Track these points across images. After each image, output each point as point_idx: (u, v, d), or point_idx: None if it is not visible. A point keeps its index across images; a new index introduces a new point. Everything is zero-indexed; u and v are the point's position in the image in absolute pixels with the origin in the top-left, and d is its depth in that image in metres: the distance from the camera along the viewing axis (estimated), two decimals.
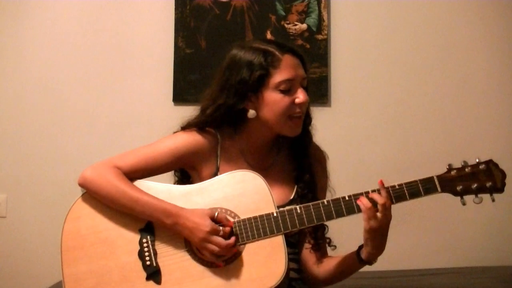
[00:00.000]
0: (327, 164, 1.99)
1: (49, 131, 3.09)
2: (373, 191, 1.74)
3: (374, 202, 1.70)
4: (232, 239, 1.71)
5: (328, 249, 1.95)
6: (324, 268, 1.89)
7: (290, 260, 1.75)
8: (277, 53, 1.81)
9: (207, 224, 1.69)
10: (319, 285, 1.92)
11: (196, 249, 1.74)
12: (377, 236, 1.72)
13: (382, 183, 1.73)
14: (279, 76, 1.79)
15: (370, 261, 1.77)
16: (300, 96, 1.80)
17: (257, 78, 1.79)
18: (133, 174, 1.81)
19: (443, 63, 3.15)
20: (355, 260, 1.79)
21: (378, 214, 1.69)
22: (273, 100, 1.80)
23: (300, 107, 1.81)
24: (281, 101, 1.80)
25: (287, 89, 1.80)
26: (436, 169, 1.79)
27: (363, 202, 1.71)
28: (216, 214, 1.72)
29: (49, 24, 3.13)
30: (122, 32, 3.13)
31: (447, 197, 1.76)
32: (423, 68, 3.15)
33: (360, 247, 1.78)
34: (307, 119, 1.90)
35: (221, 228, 1.70)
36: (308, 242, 1.91)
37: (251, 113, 1.83)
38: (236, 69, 1.82)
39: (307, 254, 1.93)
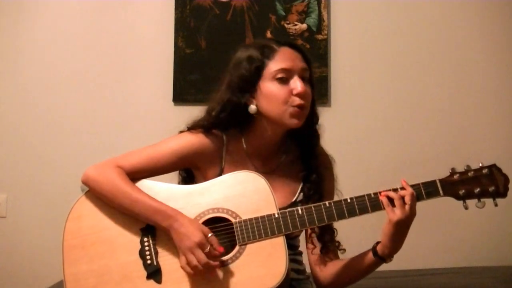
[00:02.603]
0: (333, 168, 1.99)
1: (49, 131, 3.09)
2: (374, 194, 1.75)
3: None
4: (215, 262, 1.68)
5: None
6: (335, 269, 1.89)
7: (290, 260, 1.75)
8: (274, 45, 1.84)
9: (198, 236, 1.68)
10: (335, 285, 1.91)
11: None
12: (399, 230, 1.72)
13: (405, 182, 1.74)
14: (274, 66, 1.81)
15: (386, 258, 1.77)
16: (298, 85, 1.79)
17: (254, 70, 1.81)
18: (136, 174, 1.82)
19: (444, 63, 3.16)
20: (371, 258, 1.79)
21: (406, 206, 1.70)
22: (270, 91, 1.81)
23: (300, 97, 1.79)
24: (278, 91, 1.80)
25: (284, 78, 1.80)
26: (437, 169, 1.79)
27: (390, 194, 1.72)
28: (209, 235, 1.70)
29: (49, 24, 3.13)
30: (122, 32, 3.13)
31: (449, 198, 1.76)
32: (423, 68, 3.15)
33: (375, 245, 1.79)
34: (313, 118, 1.90)
35: (209, 247, 1.67)
36: (312, 243, 1.92)
37: (252, 108, 1.83)
38: (237, 67, 1.85)
39: (314, 258, 1.93)
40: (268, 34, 3.09)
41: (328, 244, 1.91)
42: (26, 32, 3.11)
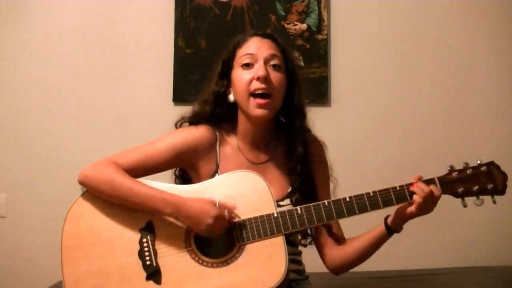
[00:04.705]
0: (325, 153, 2.00)
1: (49, 131, 3.08)
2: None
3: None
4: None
5: None
6: (349, 249, 1.91)
7: (290, 261, 1.74)
8: (247, 36, 1.90)
9: (212, 210, 1.69)
10: (347, 267, 1.94)
11: (195, 244, 1.74)
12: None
13: (420, 178, 1.76)
14: (240, 53, 1.86)
15: (398, 229, 1.81)
16: (258, 71, 1.81)
17: (227, 60, 1.88)
18: (132, 172, 1.81)
19: (443, 62, 3.16)
20: (385, 232, 1.82)
21: (433, 205, 1.73)
22: (237, 77, 1.86)
23: (261, 82, 1.81)
24: (243, 77, 1.84)
25: (248, 63, 1.84)
26: (436, 169, 1.80)
27: (426, 189, 1.72)
28: (217, 202, 1.71)
29: (49, 24, 3.12)
30: (122, 32, 3.13)
31: (447, 197, 1.77)
32: (423, 68, 3.15)
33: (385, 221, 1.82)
34: (297, 114, 1.90)
35: (226, 211, 1.70)
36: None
37: (231, 97, 1.88)
38: (219, 58, 1.93)
39: (327, 248, 1.95)
40: None
41: (336, 235, 1.93)
42: (25, 32, 3.11)
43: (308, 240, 1.92)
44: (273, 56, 1.85)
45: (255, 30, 1.94)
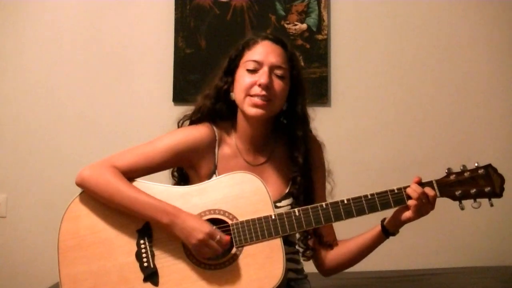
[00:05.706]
0: (323, 154, 2.00)
1: (49, 131, 3.09)
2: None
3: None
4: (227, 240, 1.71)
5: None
6: (343, 251, 1.91)
7: (288, 260, 1.75)
8: (258, 38, 1.89)
9: (206, 227, 1.69)
10: (339, 268, 1.94)
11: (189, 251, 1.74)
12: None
13: (419, 179, 1.76)
14: (247, 56, 1.87)
15: (395, 232, 1.83)
16: (262, 77, 1.81)
17: (234, 58, 1.89)
18: (132, 173, 1.82)
19: (443, 63, 3.15)
20: (381, 235, 1.84)
21: (430, 206, 1.74)
22: (238, 78, 1.87)
23: (262, 88, 1.81)
24: (244, 79, 1.84)
25: (253, 69, 1.84)
26: (436, 169, 1.80)
27: (421, 194, 1.73)
28: (214, 227, 1.71)
29: (49, 24, 3.13)
30: (122, 32, 3.13)
31: (446, 198, 1.76)
32: (423, 68, 3.15)
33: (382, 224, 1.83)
34: (300, 122, 1.91)
35: (219, 235, 1.69)
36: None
37: (232, 95, 1.89)
38: (227, 55, 1.94)
39: (320, 249, 1.94)
40: None
41: (324, 239, 1.93)
42: (25, 32, 3.11)
43: (308, 253, 1.93)
44: (279, 67, 1.85)
45: (267, 33, 1.93)
